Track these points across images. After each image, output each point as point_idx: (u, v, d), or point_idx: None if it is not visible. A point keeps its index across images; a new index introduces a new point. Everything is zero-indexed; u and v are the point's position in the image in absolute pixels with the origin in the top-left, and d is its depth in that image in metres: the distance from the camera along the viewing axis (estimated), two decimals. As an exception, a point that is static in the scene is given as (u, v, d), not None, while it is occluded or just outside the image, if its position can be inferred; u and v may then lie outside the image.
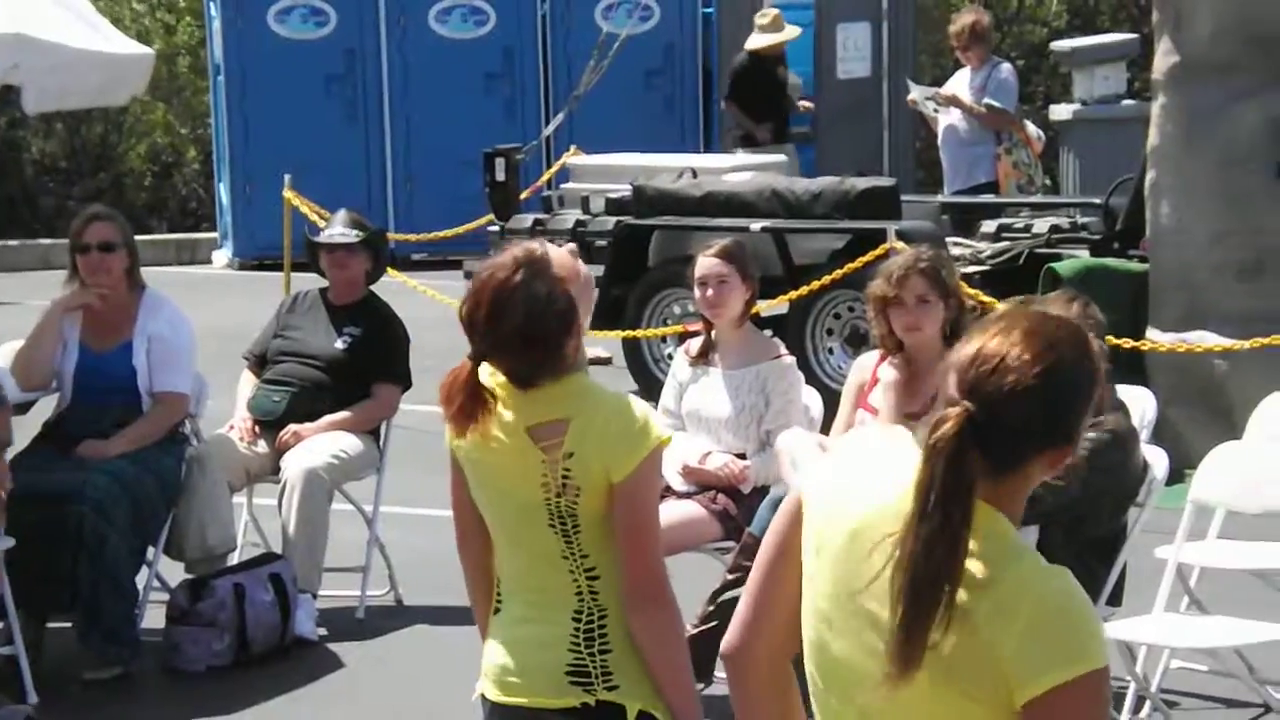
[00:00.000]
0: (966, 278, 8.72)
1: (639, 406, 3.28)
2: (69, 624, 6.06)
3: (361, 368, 6.63)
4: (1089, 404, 2.38)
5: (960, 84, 11.59)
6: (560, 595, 3.27)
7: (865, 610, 2.31)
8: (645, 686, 3.25)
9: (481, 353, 3.26)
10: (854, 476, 2.43)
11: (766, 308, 9.05)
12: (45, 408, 6.42)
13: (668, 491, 5.66)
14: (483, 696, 3.35)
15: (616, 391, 3.32)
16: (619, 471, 3.21)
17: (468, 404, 3.24)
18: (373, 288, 6.86)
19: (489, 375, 3.29)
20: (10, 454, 6.08)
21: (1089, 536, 5.11)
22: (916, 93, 11.90)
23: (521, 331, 3.23)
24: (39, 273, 13.11)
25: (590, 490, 3.22)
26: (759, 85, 12.74)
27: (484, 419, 3.26)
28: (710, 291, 5.67)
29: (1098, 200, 9.65)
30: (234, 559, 6.50)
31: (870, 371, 5.48)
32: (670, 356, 8.57)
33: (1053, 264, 8.69)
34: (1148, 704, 5.40)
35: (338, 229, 6.76)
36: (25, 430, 6.37)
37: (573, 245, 3.48)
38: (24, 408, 6.47)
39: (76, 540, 5.88)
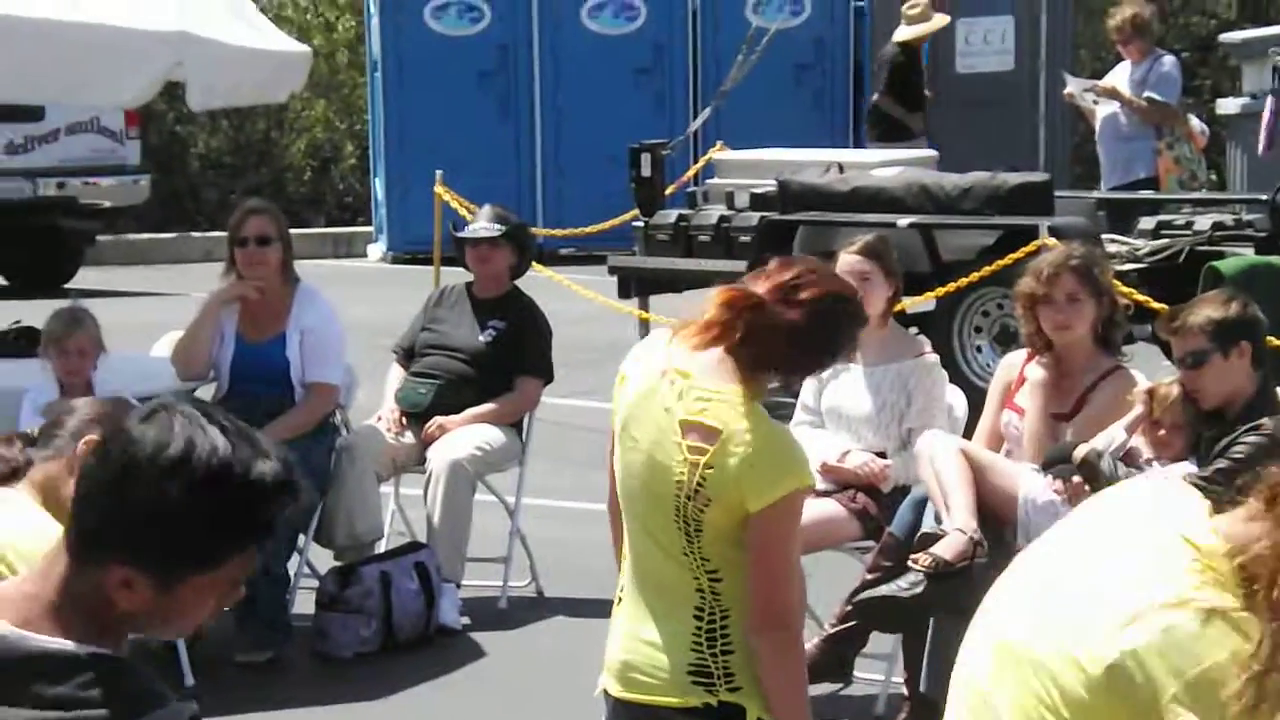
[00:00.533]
0: (1123, 276, 8.60)
1: (794, 445, 3.28)
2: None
3: (505, 361, 6.71)
4: None
5: (1120, 77, 11.39)
6: (681, 591, 3.28)
7: None
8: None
9: (765, 301, 3.28)
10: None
11: (913, 304, 8.99)
12: (202, 397, 6.58)
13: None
14: (605, 692, 3.38)
15: (780, 424, 3.33)
16: (756, 501, 3.20)
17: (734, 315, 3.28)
18: (519, 282, 6.94)
19: (671, 371, 3.30)
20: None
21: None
22: (1074, 85, 11.72)
23: (792, 328, 3.26)
24: (202, 265, 13.40)
25: (721, 506, 3.22)
26: (910, 78, 12.66)
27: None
28: (853, 289, 5.65)
29: (1264, 197, 9.44)
30: (381, 547, 6.61)
31: (1018, 370, 5.43)
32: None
33: (1214, 262, 8.50)
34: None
35: (481, 223, 6.85)
36: (182, 419, 6.53)
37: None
38: (183, 397, 6.64)
39: (229, 527, 6.01)
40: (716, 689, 3.24)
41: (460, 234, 6.95)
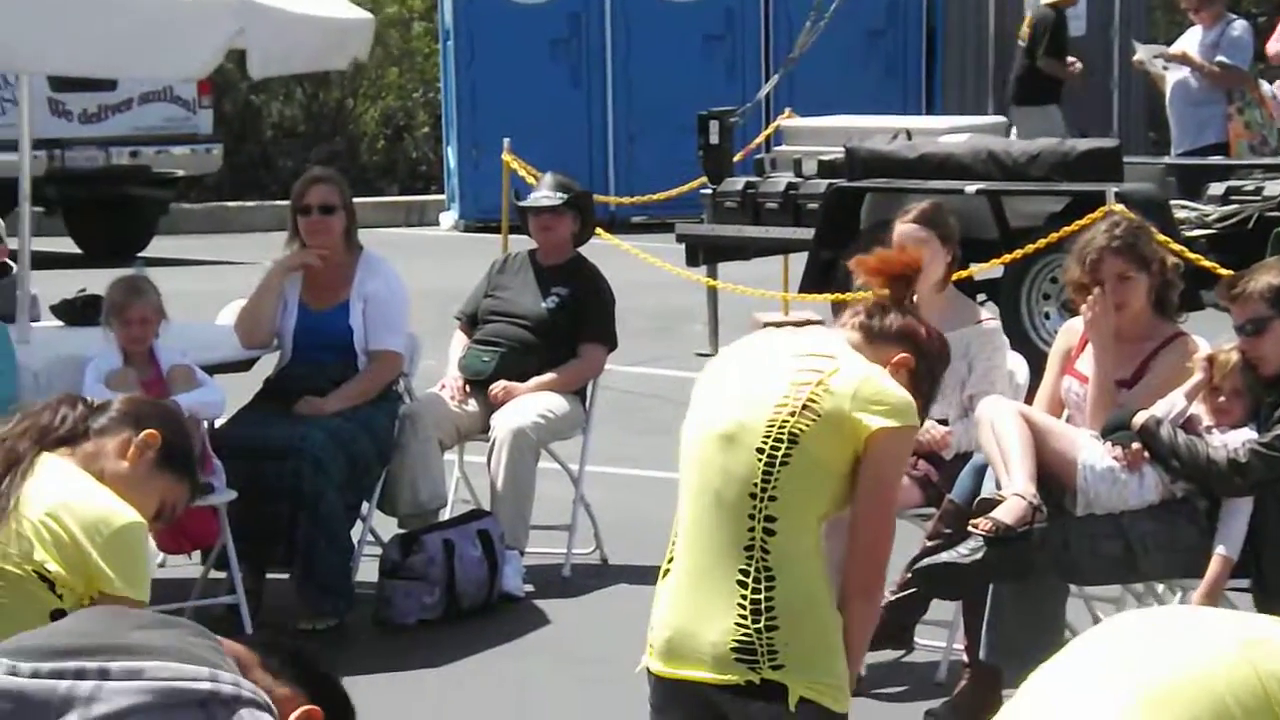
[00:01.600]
0: (1191, 242, 8.52)
1: (905, 391, 3.30)
2: (287, 575, 6.27)
3: (568, 328, 6.72)
4: None
5: (1191, 42, 11.27)
6: (731, 549, 3.23)
7: None
8: (810, 666, 3.22)
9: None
10: None
11: (980, 271, 8.94)
12: (267, 365, 6.63)
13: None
14: (647, 670, 3.35)
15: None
16: (872, 424, 3.19)
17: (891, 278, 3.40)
18: (584, 249, 6.95)
19: (785, 335, 3.42)
20: (233, 409, 6.32)
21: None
22: (1143, 52, 11.61)
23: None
24: (275, 233, 13.47)
25: (826, 423, 3.19)
26: (1059, 38, 12.52)
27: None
28: (910, 257, 5.63)
29: (1337, 162, 9.31)
30: (444, 515, 6.64)
31: (1078, 336, 5.39)
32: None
33: (1282, 228, 8.42)
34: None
35: (543, 192, 6.85)
36: (248, 387, 6.59)
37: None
38: (246, 365, 6.70)
39: (294, 494, 6.07)
40: (760, 666, 3.21)
41: (522, 203, 6.96)
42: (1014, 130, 11.22)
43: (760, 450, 3.22)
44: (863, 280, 3.49)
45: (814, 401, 3.21)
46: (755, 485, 3.22)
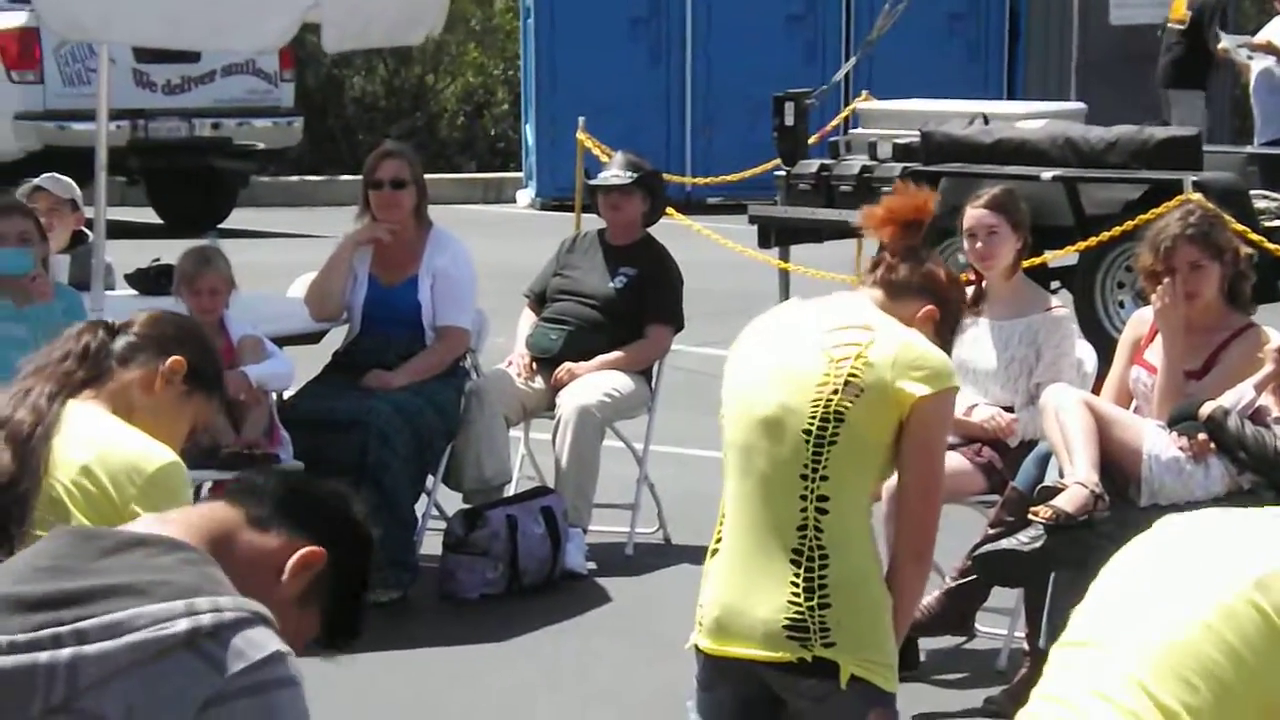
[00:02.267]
0: (1272, 232, 8.42)
1: (941, 351, 3.30)
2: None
3: (636, 308, 6.73)
4: None
5: (1276, 31, 11.14)
6: (784, 529, 3.22)
7: None
8: (862, 645, 3.22)
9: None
10: None
11: (1055, 259, 8.87)
12: (336, 338, 6.68)
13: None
14: (695, 647, 3.35)
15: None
16: (915, 392, 3.18)
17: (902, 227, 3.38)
18: (654, 229, 6.94)
19: (809, 306, 3.39)
20: (301, 382, 6.37)
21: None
22: (1227, 41, 11.49)
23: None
24: (354, 208, 13.57)
25: (871, 397, 3.19)
26: (1223, 21, 12.38)
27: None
28: (979, 243, 5.60)
29: None
30: (509, 491, 6.67)
31: (1148, 326, 5.34)
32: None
33: (1364, 221, 8.32)
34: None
35: (613, 171, 6.85)
36: (317, 359, 6.65)
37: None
38: (316, 337, 6.75)
39: (360, 466, 6.11)
40: (811, 644, 3.20)
41: (592, 181, 6.96)
42: (1174, 112, 11.10)
43: (808, 431, 3.21)
44: (873, 234, 3.45)
45: (855, 377, 3.20)
46: (806, 466, 3.22)
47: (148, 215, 15.28)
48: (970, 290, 5.75)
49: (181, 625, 1.95)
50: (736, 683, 3.29)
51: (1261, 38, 11.21)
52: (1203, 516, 2.23)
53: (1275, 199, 9.11)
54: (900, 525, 3.25)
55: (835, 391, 3.19)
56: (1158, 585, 2.12)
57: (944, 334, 3.38)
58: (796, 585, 3.21)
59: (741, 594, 3.26)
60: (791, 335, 3.31)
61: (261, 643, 2.00)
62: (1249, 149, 10.53)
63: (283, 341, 6.31)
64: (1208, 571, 2.10)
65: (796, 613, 3.20)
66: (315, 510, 2.18)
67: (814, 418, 3.20)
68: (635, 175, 6.80)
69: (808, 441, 3.21)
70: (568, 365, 6.65)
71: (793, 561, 3.22)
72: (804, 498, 3.22)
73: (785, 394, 3.24)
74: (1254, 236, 7.47)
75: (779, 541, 3.24)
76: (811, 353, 3.24)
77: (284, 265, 9.12)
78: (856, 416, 3.19)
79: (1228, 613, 2.05)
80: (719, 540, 3.36)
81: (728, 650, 3.27)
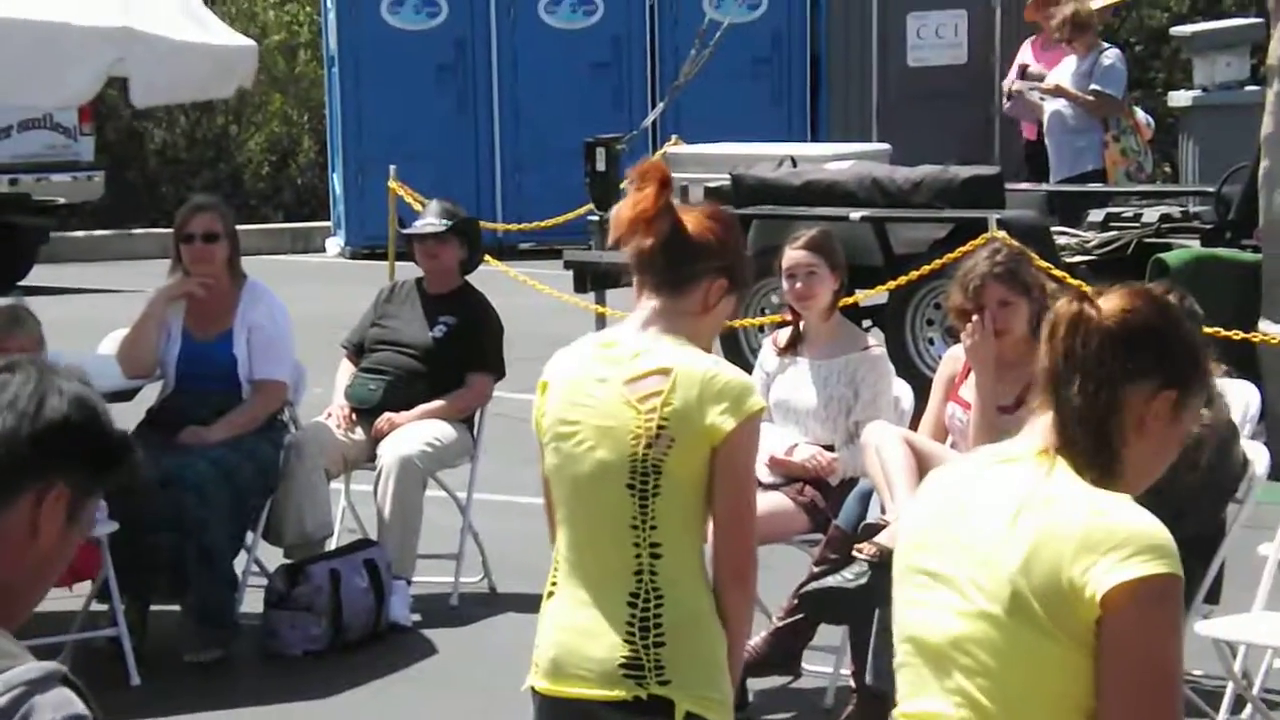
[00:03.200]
0: (1072, 268, 8.65)
1: (740, 372, 3.30)
2: (171, 607, 6.19)
3: (456, 357, 6.70)
4: (1200, 368, 2.46)
5: (1065, 72, 11.47)
6: (619, 574, 3.24)
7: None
8: (697, 682, 3.23)
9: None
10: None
11: (866, 297, 9.02)
12: (150, 394, 6.55)
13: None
14: (532, 688, 3.35)
15: (717, 356, 3.34)
16: (721, 430, 3.18)
17: (656, 196, 3.28)
18: (473, 276, 6.93)
19: (594, 349, 3.32)
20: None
21: (1188, 533, 5.00)
22: (1019, 83, 11.81)
23: (715, 215, 3.35)
24: (159, 261, 13.33)
25: (685, 442, 3.20)
26: None
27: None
28: (799, 284, 5.67)
29: (1211, 189, 9.51)
30: (331, 545, 6.60)
31: (961, 363, 5.45)
32: (769, 346, 8.56)
33: (1161, 254, 8.57)
34: (1249, 706, 5.33)
35: (428, 219, 6.84)
36: (130, 417, 6.51)
37: None
38: (129, 395, 6.61)
39: (177, 525, 6.00)
40: (646, 682, 3.22)
41: (407, 230, 6.94)
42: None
43: (631, 486, 3.24)
44: (631, 247, 3.30)
45: (665, 426, 3.21)
46: (634, 518, 3.25)
47: (-57, 273, 14.86)
48: (788, 331, 5.85)
49: None
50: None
51: (1050, 81, 11.56)
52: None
53: (1075, 235, 9.36)
54: (718, 551, 3.27)
55: (649, 445, 3.22)
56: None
57: (740, 290, 3.38)
58: (632, 625, 3.23)
59: (577, 635, 3.27)
60: (594, 388, 3.28)
61: (40, 716, 1.86)
62: (1046, 187, 10.82)
63: (94, 400, 6.16)
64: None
65: (631, 651, 3.22)
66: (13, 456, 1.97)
67: (634, 473, 3.23)
68: (450, 223, 6.79)
69: (632, 495, 3.24)
70: (388, 415, 6.60)
71: (629, 603, 3.24)
72: (636, 544, 3.25)
73: (601, 450, 3.26)
74: (1056, 273, 7.67)
75: (614, 584, 3.26)
76: (617, 406, 3.24)
77: (89, 321, 8.93)
78: (673, 465, 3.22)
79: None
80: (554, 583, 3.36)
81: (564, 690, 3.28)
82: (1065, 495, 2.35)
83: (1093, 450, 2.38)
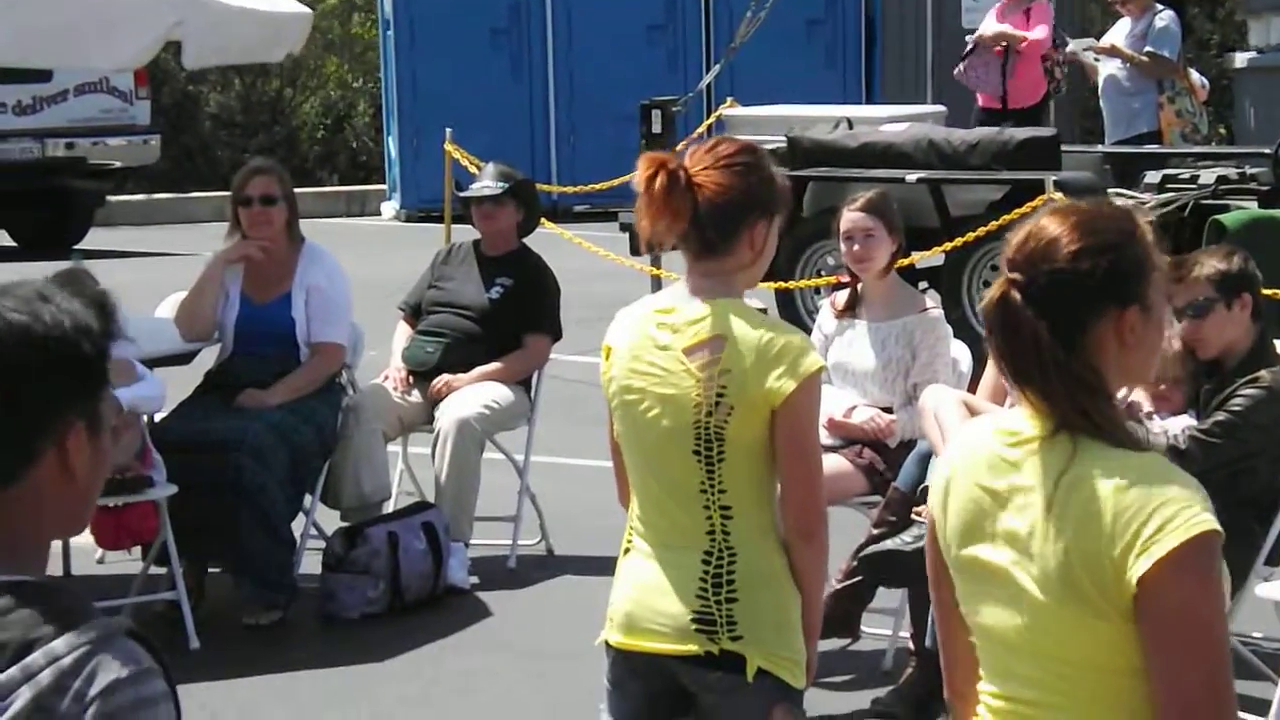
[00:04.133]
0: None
1: (796, 333, 3.28)
2: (229, 569, 6.22)
3: (513, 319, 6.70)
4: (1143, 269, 2.39)
5: (1120, 34, 11.38)
6: (692, 534, 3.27)
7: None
8: (769, 639, 3.25)
9: (690, 168, 3.23)
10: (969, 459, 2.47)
11: (922, 259, 8.98)
12: (208, 358, 6.58)
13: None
14: (606, 643, 3.38)
15: (773, 318, 3.34)
16: (780, 394, 3.19)
17: (666, 184, 3.21)
18: (529, 239, 6.92)
19: (653, 315, 3.30)
20: (173, 403, 6.26)
21: (1246, 494, 5.01)
22: (1074, 44, 11.72)
23: (735, 157, 3.26)
24: (214, 225, 13.41)
25: (744, 410, 3.20)
26: None
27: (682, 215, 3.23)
28: (856, 246, 5.64)
29: (1267, 150, 9.41)
30: (389, 508, 6.61)
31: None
32: (826, 308, 8.53)
33: (1218, 216, 8.50)
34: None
35: (485, 182, 6.83)
36: (188, 380, 6.54)
37: None
38: (187, 358, 6.64)
39: (236, 488, 6.02)
40: (719, 637, 3.23)
41: (464, 193, 6.93)
42: None
43: (696, 453, 3.25)
44: (662, 240, 3.28)
45: (723, 395, 3.22)
46: (703, 483, 3.26)
47: (1, 238, 14.99)
48: (846, 293, 5.82)
49: (24, 694, 1.79)
50: (646, 678, 3.32)
51: (1105, 41, 11.47)
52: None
53: (1132, 196, 9.28)
54: (786, 510, 3.27)
55: (709, 413, 3.22)
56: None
57: (781, 213, 3.34)
58: (705, 581, 3.25)
59: (652, 591, 3.29)
60: (653, 357, 3.29)
61: (107, 672, 1.82)
62: (1102, 149, 10.75)
63: (153, 363, 6.20)
64: None
65: (704, 606, 3.24)
66: (20, 409, 1.84)
67: (698, 440, 3.25)
68: (507, 185, 6.78)
69: (699, 462, 3.25)
70: (445, 378, 6.61)
71: (703, 560, 3.26)
72: (707, 508, 3.27)
73: (666, 418, 3.27)
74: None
75: (688, 543, 3.28)
76: (678, 374, 3.26)
77: (145, 285, 8.98)
78: (736, 432, 3.22)
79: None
80: (630, 540, 3.39)
81: (637, 644, 3.31)
82: (1089, 476, 2.33)
83: (1095, 417, 2.34)
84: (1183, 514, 2.28)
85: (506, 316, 6.68)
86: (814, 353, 3.26)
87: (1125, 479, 2.30)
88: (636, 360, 3.30)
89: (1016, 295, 2.34)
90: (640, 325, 3.34)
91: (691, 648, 3.24)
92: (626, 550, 3.37)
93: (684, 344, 3.25)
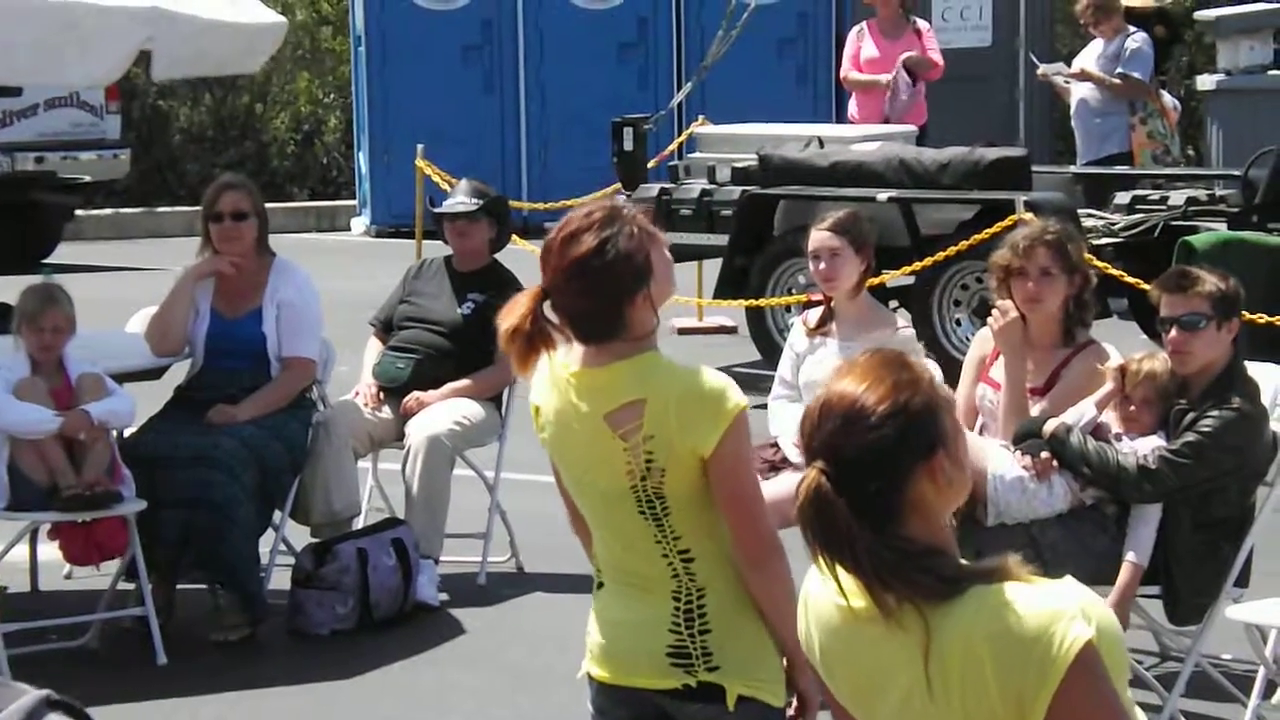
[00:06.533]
0: (1098, 250, 8.63)
1: (714, 377, 3.24)
2: (198, 586, 6.20)
3: (484, 335, 6.67)
4: (934, 409, 2.35)
5: (1091, 55, 11.45)
6: (656, 579, 3.28)
7: None
8: (744, 666, 3.26)
9: (547, 287, 3.21)
10: None
11: (893, 278, 9.01)
12: (178, 372, 6.57)
13: (784, 464, 5.67)
14: (588, 675, 3.39)
15: (689, 365, 3.27)
16: (705, 445, 3.18)
17: (524, 335, 3.19)
18: (500, 256, 6.93)
19: (561, 359, 3.27)
20: (143, 418, 6.25)
21: (1216, 515, 5.04)
22: (1045, 68, 11.78)
23: (585, 263, 3.15)
24: (184, 239, 13.38)
25: (676, 469, 3.20)
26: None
27: (543, 356, 3.21)
28: (823, 265, 5.66)
29: (1237, 172, 9.48)
30: (358, 524, 6.60)
31: (992, 344, 5.43)
32: (795, 327, 8.54)
33: (1187, 237, 8.55)
34: (1280, 689, 5.32)
35: (458, 198, 6.84)
36: (158, 395, 6.53)
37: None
38: (157, 373, 6.62)
39: (206, 504, 6.01)
40: (695, 670, 3.25)
41: (437, 209, 6.94)
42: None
43: (642, 513, 3.25)
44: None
45: (652, 459, 3.20)
46: (655, 536, 3.27)
47: (-30, 251, 14.90)
48: (819, 311, 5.83)
49: None
50: (631, 706, 3.34)
51: (1077, 65, 11.55)
52: None
53: (1101, 217, 9.33)
54: (734, 546, 3.26)
55: (643, 477, 3.22)
56: None
57: (660, 271, 3.22)
58: (677, 616, 3.26)
59: (625, 627, 3.31)
60: (578, 426, 3.25)
61: None
62: (1073, 169, 10.80)
63: (123, 378, 6.19)
64: None
65: (678, 641, 3.25)
66: None
67: (639, 501, 3.24)
68: (481, 202, 6.79)
69: (646, 520, 3.25)
70: (416, 394, 6.60)
71: (673, 598, 3.28)
72: (665, 555, 3.28)
73: (603, 483, 3.26)
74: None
75: (654, 585, 3.29)
76: (604, 440, 3.22)
77: (115, 300, 8.95)
78: (674, 489, 3.22)
79: None
80: (599, 573, 3.40)
81: (617, 680, 3.33)
82: (953, 643, 2.26)
83: (926, 581, 2.28)
84: (1054, 642, 2.22)
85: (478, 332, 6.68)
86: (733, 392, 3.21)
87: (989, 629, 2.25)
88: (564, 428, 3.29)
89: (828, 485, 2.30)
90: (560, 390, 3.29)
91: (670, 683, 3.26)
92: (599, 586, 3.38)
93: (604, 409, 3.22)
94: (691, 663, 3.24)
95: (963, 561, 2.36)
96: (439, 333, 6.72)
